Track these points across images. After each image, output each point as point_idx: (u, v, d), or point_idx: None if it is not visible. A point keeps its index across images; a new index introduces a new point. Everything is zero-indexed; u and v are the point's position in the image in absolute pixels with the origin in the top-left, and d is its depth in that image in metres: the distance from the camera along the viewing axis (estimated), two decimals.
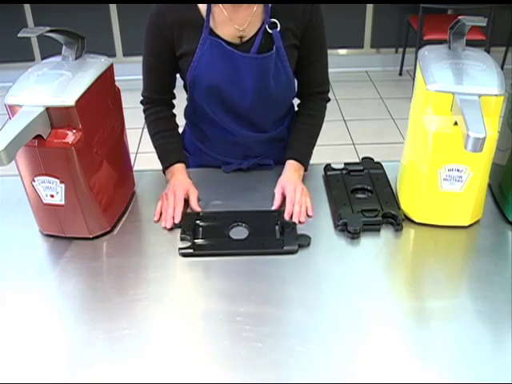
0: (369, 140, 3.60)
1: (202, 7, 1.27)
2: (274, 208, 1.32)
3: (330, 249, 1.21)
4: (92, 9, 4.20)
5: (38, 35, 1.10)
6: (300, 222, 1.27)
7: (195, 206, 1.32)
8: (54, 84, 1.12)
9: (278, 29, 1.29)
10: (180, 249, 1.17)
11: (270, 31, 1.28)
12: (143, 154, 3.34)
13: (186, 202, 1.33)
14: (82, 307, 1.10)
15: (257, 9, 1.28)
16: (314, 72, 1.45)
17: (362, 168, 1.43)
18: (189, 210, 1.31)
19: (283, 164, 1.45)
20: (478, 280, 1.14)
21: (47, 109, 1.08)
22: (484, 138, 0.98)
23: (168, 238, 1.26)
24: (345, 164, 1.45)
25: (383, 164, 1.46)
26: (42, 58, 1.25)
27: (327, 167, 1.46)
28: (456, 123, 1.11)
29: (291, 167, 1.41)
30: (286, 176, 1.39)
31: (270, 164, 1.52)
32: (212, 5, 1.26)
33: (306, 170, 1.44)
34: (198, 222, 1.26)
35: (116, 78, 1.27)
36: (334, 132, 3.70)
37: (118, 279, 1.16)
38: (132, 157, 1.43)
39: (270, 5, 1.27)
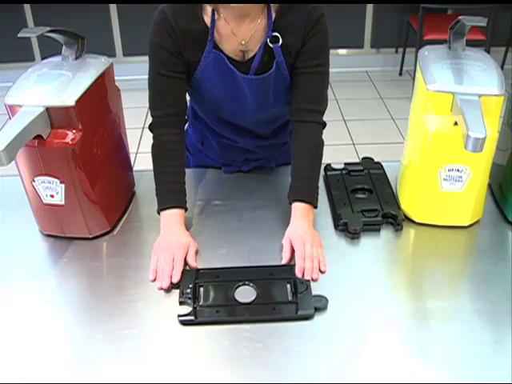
0: (369, 140, 3.60)
1: (207, 19, 1.25)
2: (283, 263, 1.17)
3: (330, 249, 1.21)
4: (92, 9, 4.20)
5: (37, 35, 1.10)
6: (313, 280, 1.13)
7: (192, 261, 1.18)
8: (53, 84, 1.12)
9: (280, 43, 1.24)
10: (179, 316, 1.03)
11: (271, 45, 1.24)
12: (143, 154, 3.34)
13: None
14: (81, 307, 1.10)
15: (260, 23, 1.25)
16: (311, 85, 1.30)
17: (361, 168, 1.43)
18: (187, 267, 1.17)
19: (285, 165, 1.43)
20: (477, 280, 1.14)
21: (47, 109, 1.08)
22: (484, 138, 0.98)
23: None
24: (345, 164, 1.45)
25: (383, 164, 1.46)
26: (42, 58, 1.25)
27: (327, 167, 1.46)
28: (456, 123, 1.11)
29: (298, 213, 1.25)
30: (293, 226, 1.23)
31: (271, 166, 1.51)
32: (216, 17, 1.24)
33: (315, 207, 1.28)
34: (197, 281, 1.11)
35: (116, 78, 1.27)
36: (334, 132, 3.70)
37: (118, 279, 1.16)
38: (132, 157, 1.43)
39: (272, 19, 1.25)
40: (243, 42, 1.25)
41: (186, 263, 1.17)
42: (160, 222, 1.25)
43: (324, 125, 1.35)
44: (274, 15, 1.23)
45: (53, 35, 1.16)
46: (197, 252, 1.21)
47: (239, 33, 1.25)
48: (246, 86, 1.27)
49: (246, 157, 1.50)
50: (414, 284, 1.14)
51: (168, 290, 1.11)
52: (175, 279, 1.12)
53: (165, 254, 1.17)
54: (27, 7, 4.22)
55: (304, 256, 1.16)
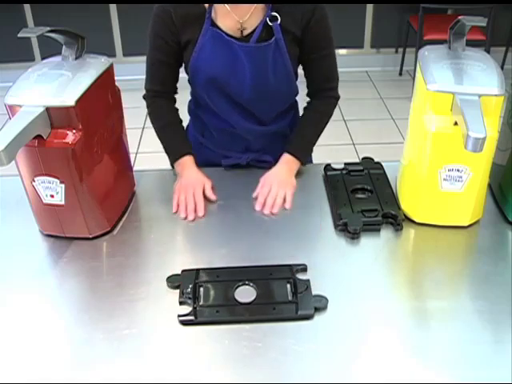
0: (369, 140, 3.59)
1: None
2: (253, 196, 1.35)
3: (330, 249, 1.21)
4: (92, 9, 4.20)
5: (37, 35, 1.10)
6: (272, 214, 1.30)
7: (211, 194, 1.36)
8: (53, 84, 1.12)
9: (279, 22, 1.30)
10: (179, 316, 1.04)
11: (270, 24, 1.30)
12: (143, 154, 3.34)
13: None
14: (81, 307, 1.10)
15: (259, 4, 1.31)
16: (320, 69, 1.44)
17: (361, 168, 1.43)
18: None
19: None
20: (477, 280, 1.14)
21: (47, 109, 1.08)
22: (484, 138, 0.98)
23: (168, 238, 1.26)
24: (345, 164, 1.45)
25: (383, 164, 1.46)
26: (42, 58, 1.25)
27: (327, 167, 1.46)
28: (456, 123, 1.11)
29: (283, 159, 1.43)
30: (273, 169, 1.41)
31: (269, 161, 1.51)
32: None
33: (303, 164, 1.45)
34: (197, 281, 1.11)
35: (116, 78, 1.27)
36: (334, 132, 3.70)
37: (118, 279, 1.16)
38: (132, 157, 1.43)
39: None
40: (241, 21, 1.31)
41: (205, 198, 1.34)
42: (176, 170, 1.43)
43: (337, 98, 1.50)
44: None
45: (53, 35, 1.16)
46: (213, 188, 1.37)
47: (237, 12, 1.31)
48: (244, 56, 1.31)
49: (245, 145, 1.50)
50: (414, 284, 1.14)
51: (192, 221, 1.28)
52: (201, 213, 1.31)
53: (186, 192, 1.34)
54: (27, 7, 4.22)
55: (266, 195, 1.33)
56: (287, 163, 1.43)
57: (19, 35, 1.11)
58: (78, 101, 1.09)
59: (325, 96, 1.49)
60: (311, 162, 1.60)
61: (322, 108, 1.49)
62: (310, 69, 1.44)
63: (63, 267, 1.19)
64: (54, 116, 1.09)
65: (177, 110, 1.49)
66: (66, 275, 1.17)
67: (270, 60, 1.33)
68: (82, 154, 1.13)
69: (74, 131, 1.11)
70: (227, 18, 1.31)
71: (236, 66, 1.33)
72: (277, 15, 1.30)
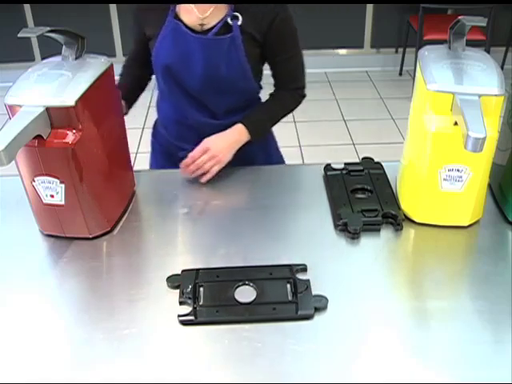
0: (369, 140, 3.60)
1: None
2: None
3: (330, 249, 1.21)
4: (92, 9, 4.20)
5: (37, 35, 1.10)
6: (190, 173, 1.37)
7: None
8: (53, 84, 1.12)
9: (239, 22, 1.35)
10: (179, 316, 1.03)
11: (230, 22, 1.35)
12: (143, 154, 3.34)
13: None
14: (81, 307, 1.10)
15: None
16: (286, 71, 1.49)
17: (361, 168, 1.43)
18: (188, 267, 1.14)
19: (239, 159, 1.47)
20: (477, 280, 1.14)
21: (47, 109, 1.08)
22: (484, 138, 0.98)
23: (168, 238, 1.26)
24: (345, 164, 1.45)
25: (383, 164, 1.46)
26: (42, 58, 1.25)
27: (327, 167, 1.46)
28: (456, 123, 1.11)
29: (234, 127, 1.44)
30: (220, 134, 1.42)
31: None
32: None
33: (252, 140, 1.45)
34: (197, 281, 1.10)
35: (116, 78, 1.27)
36: (334, 132, 3.70)
37: (118, 279, 1.16)
38: (132, 157, 1.43)
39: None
40: (202, 17, 1.37)
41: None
42: None
43: (303, 96, 1.54)
44: None
45: (53, 35, 1.16)
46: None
47: (199, 8, 1.37)
48: (198, 47, 1.37)
49: (199, 138, 1.48)
50: (414, 284, 1.14)
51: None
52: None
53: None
54: (27, 7, 4.22)
55: (196, 159, 1.36)
56: (237, 132, 1.44)
57: (19, 35, 1.11)
58: (78, 101, 1.09)
59: (292, 91, 1.52)
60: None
61: (286, 99, 1.52)
62: (276, 70, 1.48)
63: (63, 267, 1.19)
64: (54, 116, 1.09)
65: (147, 78, 1.60)
66: (66, 275, 1.17)
67: (224, 54, 1.37)
68: (82, 153, 1.13)
69: (74, 131, 1.11)
70: (189, 13, 1.39)
71: (190, 56, 1.38)
72: (238, 15, 1.35)
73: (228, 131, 1.43)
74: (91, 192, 1.19)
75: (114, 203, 1.30)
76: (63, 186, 1.15)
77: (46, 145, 1.09)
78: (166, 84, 1.44)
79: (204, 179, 1.38)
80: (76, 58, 1.20)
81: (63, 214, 1.20)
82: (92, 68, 1.18)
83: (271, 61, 1.46)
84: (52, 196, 1.17)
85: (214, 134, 1.49)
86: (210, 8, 1.37)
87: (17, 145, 1.02)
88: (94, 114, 1.17)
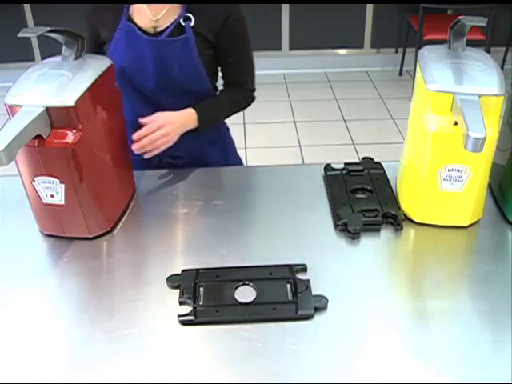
0: (369, 140, 3.60)
1: None
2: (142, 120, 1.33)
3: (330, 249, 1.21)
4: None
5: (37, 35, 1.10)
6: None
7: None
8: (53, 84, 1.12)
9: (192, 23, 1.36)
10: (179, 316, 1.03)
11: (182, 24, 1.36)
12: None
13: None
14: (81, 307, 1.10)
15: (174, 4, 1.38)
16: (237, 72, 1.50)
17: (362, 168, 1.43)
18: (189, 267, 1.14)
19: (196, 161, 1.50)
20: (477, 280, 1.14)
21: (47, 109, 1.08)
22: (484, 138, 0.98)
23: (168, 238, 1.26)
24: (345, 164, 1.45)
25: (383, 164, 1.46)
26: (42, 58, 1.25)
27: (327, 167, 1.46)
28: (456, 123, 1.11)
29: (185, 110, 1.41)
30: (169, 113, 1.38)
31: (182, 157, 1.54)
32: None
33: (198, 128, 1.43)
34: (197, 281, 1.11)
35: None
36: (334, 132, 3.70)
37: (118, 279, 1.16)
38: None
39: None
40: (154, 19, 1.38)
41: None
42: None
43: (253, 98, 1.55)
44: None
45: (53, 35, 1.16)
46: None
47: (152, 10, 1.38)
48: (150, 50, 1.37)
49: None
50: (414, 284, 1.14)
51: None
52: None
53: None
54: (27, 7, 4.22)
55: (151, 133, 1.32)
56: (188, 116, 1.41)
57: (19, 35, 1.11)
58: (78, 101, 1.09)
59: (242, 90, 1.53)
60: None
61: (237, 96, 1.53)
62: (227, 71, 1.49)
63: (63, 267, 1.19)
64: (54, 116, 1.09)
65: None
66: (66, 275, 1.17)
67: (176, 56, 1.38)
68: (82, 153, 1.13)
69: (74, 131, 1.11)
70: (142, 16, 1.39)
71: (143, 59, 1.39)
72: (191, 16, 1.36)
73: (181, 113, 1.41)
74: (91, 192, 1.19)
75: (114, 203, 1.30)
76: (63, 185, 1.15)
77: (46, 145, 1.09)
78: (122, 86, 1.40)
79: (148, 155, 1.35)
80: (76, 58, 1.20)
81: (63, 214, 1.20)
82: (92, 68, 1.18)
83: (223, 62, 1.46)
84: (52, 196, 1.17)
85: None
86: (162, 10, 1.37)
87: (17, 145, 1.02)
88: (94, 113, 1.17)
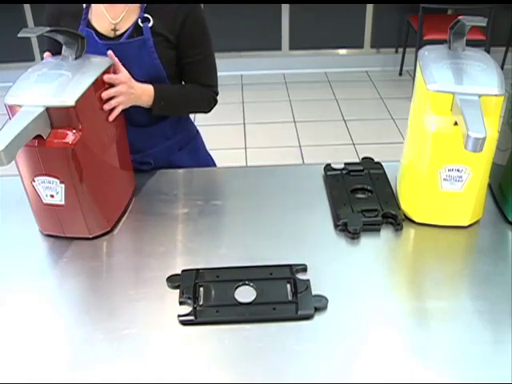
0: (369, 140, 3.60)
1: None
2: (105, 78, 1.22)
3: (330, 249, 1.21)
4: None
5: (37, 35, 1.10)
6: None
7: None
8: (53, 84, 1.12)
9: (150, 24, 1.35)
10: (179, 316, 1.04)
11: (141, 25, 1.35)
12: None
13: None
14: (81, 307, 1.10)
15: (133, 5, 1.36)
16: (197, 73, 1.46)
17: (361, 168, 1.43)
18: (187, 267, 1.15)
19: (164, 166, 1.48)
20: (477, 280, 1.14)
21: (47, 109, 1.08)
22: (484, 138, 0.98)
23: (168, 238, 1.26)
24: (345, 164, 1.45)
25: (383, 164, 1.46)
26: (42, 58, 1.25)
27: (327, 167, 1.46)
28: (456, 123, 1.11)
29: (143, 84, 1.34)
30: (133, 80, 1.30)
31: (149, 163, 1.49)
32: None
33: (152, 107, 1.37)
34: (197, 281, 1.11)
35: None
36: (334, 132, 3.70)
37: (118, 279, 1.16)
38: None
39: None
40: (114, 22, 1.37)
41: None
42: None
43: (215, 99, 1.50)
44: None
45: (53, 35, 1.16)
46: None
47: (111, 13, 1.37)
48: (106, 52, 1.32)
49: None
50: (414, 284, 1.14)
51: None
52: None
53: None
54: (27, 7, 4.22)
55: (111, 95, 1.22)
56: (144, 91, 1.34)
57: (19, 35, 1.11)
58: (78, 101, 1.09)
59: (208, 91, 1.48)
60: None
61: (201, 92, 1.47)
62: (188, 70, 1.45)
63: (63, 267, 1.19)
64: (54, 116, 1.09)
65: None
66: (66, 275, 1.17)
67: (134, 58, 1.35)
68: (82, 153, 1.13)
69: (73, 131, 1.11)
70: (102, 20, 1.37)
71: None
72: (149, 17, 1.35)
73: (140, 84, 1.33)
74: (91, 192, 1.19)
75: (114, 203, 1.30)
76: (63, 186, 1.15)
77: (46, 145, 1.09)
78: None
79: (111, 117, 1.24)
80: (76, 58, 1.20)
81: (63, 214, 1.20)
82: (92, 68, 1.18)
83: (184, 61, 1.43)
84: (52, 196, 1.17)
85: (140, 142, 1.47)
86: (122, 12, 1.36)
87: (17, 145, 1.02)
88: (94, 113, 1.17)
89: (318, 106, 4.08)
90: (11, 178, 1.32)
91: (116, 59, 1.27)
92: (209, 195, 1.40)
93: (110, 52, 1.26)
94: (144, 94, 1.34)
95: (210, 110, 1.52)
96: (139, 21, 1.35)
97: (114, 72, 1.26)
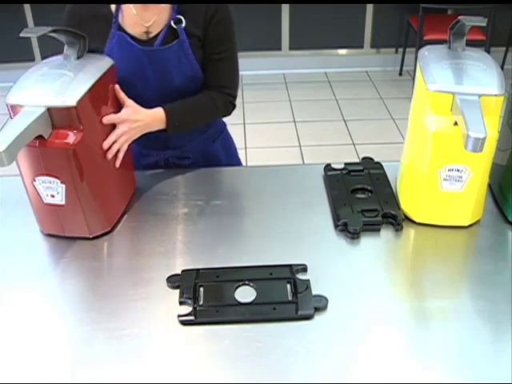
0: (369, 140, 3.60)
1: (113, 5, 1.34)
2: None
3: (330, 249, 1.21)
4: None
5: (39, 35, 1.09)
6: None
7: None
8: (55, 84, 1.11)
9: (183, 25, 1.34)
10: (179, 316, 1.03)
11: (174, 26, 1.34)
12: None
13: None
14: (81, 307, 1.10)
15: (164, 7, 1.35)
16: (218, 72, 1.43)
17: (361, 168, 1.43)
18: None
19: (202, 158, 1.48)
20: (478, 280, 1.14)
21: (48, 109, 1.08)
22: (484, 138, 0.98)
23: (168, 238, 1.26)
24: (345, 164, 1.45)
25: (383, 164, 1.46)
26: (42, 58, 1.25)
27: (327, 167, 1.46)
28: (456, 123, 1.11)
29: (153, 111, 1.33)
30: (138, 110, 1.30)
31: (188, 157, 1.51)
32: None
33: (166, 128, 1.35)
34: (197, 281, 1.11)
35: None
36: (334, 132, 3.70)
37: (118, 279, 1.16)
38: None
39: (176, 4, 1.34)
40: (146, 25, 1.35)
41: None
42: None
43: (234, 105, 1.47)
44: None
45: (55, 35, 1.15)
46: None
47: (143, 16, 1.34)
48: (147, 59, 1.34)
49: (163, 143, 1.49)
50: (414, 284, 1.14)
51: None
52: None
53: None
54: (27, 7, 4.22)
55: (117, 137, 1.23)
56: (153, 116, 1.33)
57: (21, 35, 1.10)
58: (80, 101, 1.09)
59: (223, 94, 1.44)
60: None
61: (216, 99, 1.43)
62: (208, 69, 1.41)
63: (63, 267, 1.19)
64: (56, 116, 1.09)
65: None
66: (65, 275, 1.17)
67: (173, 62, 1.35)
68: (83, 154, 1.13)
69: (75, 131, 1.11)
70: (134, 23, 1.35)
71: (140, 68, 1.36)
72: (181, 18, 1.34)
73: (147, 112, 1.31)
74: (92, 192, 1.19)
75: (115, 203, 1.30)
76: (64, 186, 1.15)
77: (47, 145, 1.09)
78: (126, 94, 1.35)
79: (110, 154, 1.23)
80: (78, 58, 1.20)
81: (63, 214, 1.20)
82: (94, 68, 1.18)
83: (205, 58, 1.40)
84: (52, 196, 1.17)
85: (178, 138, 1.47)
86: (154, 15, 1.34)
87: (18, 145, 1.02)
88: (96, 114, 1.17)
89: (318, 106, 4.08)
90: (11, 178, 1.32)
91: (121, 93, 1.26)
92: (209, 195, 1.40)
93: (116, 86, 1.25)
94: (154, 120, 1.34)
95: (229, 114, 1.50)
96: (172, 22, 1.34)
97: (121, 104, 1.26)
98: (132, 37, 1.35)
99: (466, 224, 1.26)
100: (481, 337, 1.00)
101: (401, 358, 0.97)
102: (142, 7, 1.33)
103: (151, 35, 1.36)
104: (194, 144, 1.53)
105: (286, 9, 4.38)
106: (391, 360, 0.96)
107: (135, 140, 1.34)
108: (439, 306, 1.07)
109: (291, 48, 4.56)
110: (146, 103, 1.38)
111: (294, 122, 3.84)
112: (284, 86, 4.40)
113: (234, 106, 1.48)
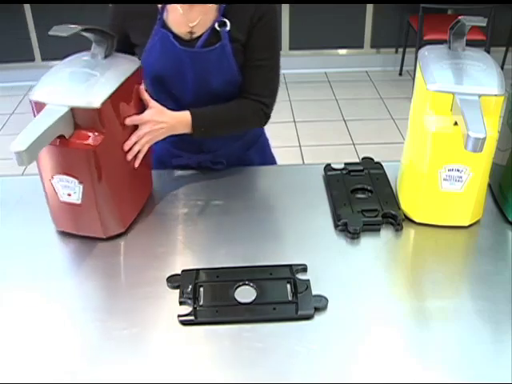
0: (369, 140, 3.59)
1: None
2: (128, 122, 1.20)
3: (330, 249, 1.21)
4: (93, 9, 4.20)
5: (69, 34, 1.07)
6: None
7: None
8: (80, 84, 1.10)
9: (228, 28, 1.31)
10: (179, 316, 1.03)
11: (218, 29, 1.31)
12: None
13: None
14: (81, 307, 1.10)
15: (211, 8, 1.32)
16: (255, 78, 1.38)
17: (361, 168, 1.43)
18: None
19: (238, 164, 1.46)
20: (478, 280, 1.14)
21: (72, 109, 1.07)
22: (484, 138, 0.98)
23: (168, 238, 1.26)
24: (345, 164, 1.45)
25: (383, 164, 1.46)
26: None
27: (327, 167, 1.46)
28: (456, 123, 1.11)
29: (179, 114, 1.31)
30: (163, 112, 1.28)
31: (222, 162, 1.48)
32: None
33: (192, 134, 1.33)
34: (197, 281, 1.10)
35: None
36: (334, 132, 3.70)
37: (118, 279, 1.16)
38: None
39: (223, 5, 1.31)
40: (191, 25, 1.33)
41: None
42: None
43: (268, 116, 1.42)
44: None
45: (84, 34, 1.13)
46: None
47: (189, 15, 1.32)
48: (188, 60, 1.32)
49: (198, 146, 1.47)
50: (414, 284, 1.14)
51: None
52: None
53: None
54: (27, 7, 4.21)
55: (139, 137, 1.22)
56: (179, 119, 1.31)
57: (50, 33, 1.07)
58: (104, 103, 1.07)
59: (255, 102, 1.38)
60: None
61: (247, 109, 1.39)
62: (246, 74, 1.37)
63: (63, 267, 1.19)
64: (78, 116, 1.08)
65: None
66: (66, 275, 1.17)
67: (214, 65, 1.33)
68: (103, 156, 1.11)
69: (96, 133, 1.09)
70: (178, 22, 1.34)
71: (180, 68, 1.34)
72: (226, 21, 1.31)
73: (173, 114, 1.30)
74: (109, 194, 1.17)
75: (131, 205, 1.28)
76: (81, 186, 1.13)
77: (67, 145, 1.08)
78: (156, 94, 1.35)
79: (130, 156, 1.22)
80: (105, 57, 1.18)
81: (79, 213, 1.18)
82: (120, 69, 1.16)
83: (245, 64, 1.35)
84: (69, 195, 1.15)
85: (213, 142, 1.46)
86: (199, 15, 1.32)
87: (39, 145, 1.01)
88: (119, 116, 1.15)
89: (318, 106, 4.08)
90: (11, 178, 1.32)
91: (146, 94, 1.24)
92: (209, 195, 1.40)
93: (141, 87, 1.23)
94: (179, 123, 1.31)
95: (262, 126, 1.47)
96: (216, 25, 1.31)
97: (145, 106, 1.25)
98: (175, 36, 1.33)
99: (466, 224, 1.26)
100: (481, 337, 1.00)
101: (401, 358, 0.97)
102: (188, 6, 1.31)
103: (194, 36, 1.34)
104: (228, 149, 1.50)
105: (285, 9, 4.38)
106: (391, 360, 0.96)
107: (165, 139, 1.32)
108: (439, 306, 1.07)
109: (291, 48, 4.55)
110: (181, 103, 1.38)
111: (294, 121, 3.84)
112: (284, 85, 4.40)
113: (267, 117, 1.42)
